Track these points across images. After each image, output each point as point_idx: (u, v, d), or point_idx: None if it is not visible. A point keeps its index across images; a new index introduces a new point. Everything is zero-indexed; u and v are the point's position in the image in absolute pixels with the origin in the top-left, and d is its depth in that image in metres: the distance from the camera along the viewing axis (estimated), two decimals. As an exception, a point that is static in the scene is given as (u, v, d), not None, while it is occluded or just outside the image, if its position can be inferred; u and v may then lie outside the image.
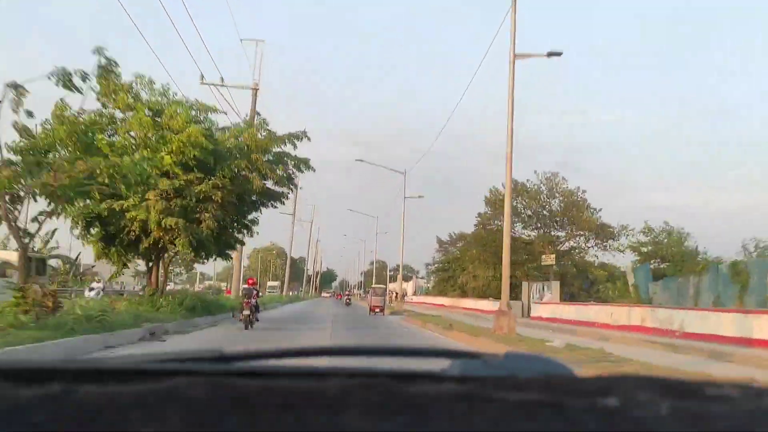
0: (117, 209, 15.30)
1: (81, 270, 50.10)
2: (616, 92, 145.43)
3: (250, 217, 20.63)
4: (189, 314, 16.31)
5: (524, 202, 36.76)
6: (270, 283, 73.99)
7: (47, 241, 40.54)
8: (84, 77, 9.36)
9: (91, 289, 18.00)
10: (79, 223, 15.85)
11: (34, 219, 12.39)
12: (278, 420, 0.44)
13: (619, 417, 0.46)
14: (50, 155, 12.56)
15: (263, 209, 20.43)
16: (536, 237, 37.19)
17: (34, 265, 17.05)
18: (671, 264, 26.55)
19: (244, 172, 17.99)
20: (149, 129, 15.93)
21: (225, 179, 16.45)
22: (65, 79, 9.32)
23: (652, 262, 26.98)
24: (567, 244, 37.29)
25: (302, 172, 18.53)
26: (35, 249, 45.01)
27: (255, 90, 28.75)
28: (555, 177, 36.65)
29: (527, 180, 36.76)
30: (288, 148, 18.67)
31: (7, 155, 11.26)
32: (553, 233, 37.34)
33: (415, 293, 70.59)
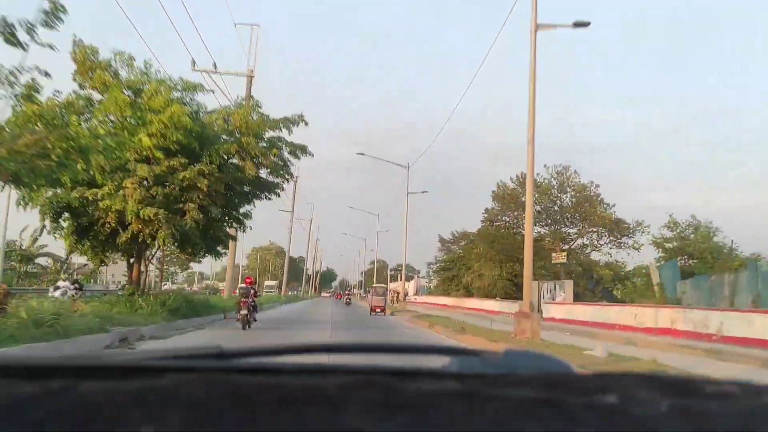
0: (90, 198, 13.62)
1: (73, 269, 48.17)
2: (616, 92, 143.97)
3: (242, 210, 18.99)
4: (172, 316, 14.61)
5: (534, 197, 35.09)
6: (267, 283, 71.83)
7: (36, 239, 38.91)
8: (30, 30, 7.71)
9: (56, 288, 16.22)
10: (47, 213, 14.15)
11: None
12: (278, 417, 0.44)
13: (619, 415, 0.46)
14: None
15: (257, 202, 18.78)
16: (547, 234, 35.42)
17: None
18: (699, 261, 24.68)
19: (234, 159, 16.31)
20: (126, 109, 14.23)
21: (212, 165, 14.75)
22: (6, 33, 7.66)
23: (678, 259, 25.08)
24: (578, 241, 35.56)
25: (299, 158, 16.80)
26: (22, 247, 43.49)
27: (250, 77, 27.10)
28: (566, 171, 34.89)
29: (537, 174, 35.07)
30: (283, 135, 17.03)
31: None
32: (563, 230, 35.56)
33: (416, 293, 68.85)
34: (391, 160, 38.67)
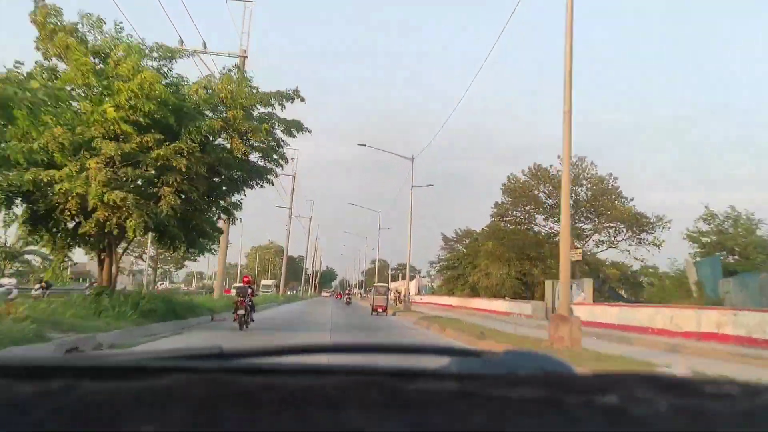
0: (45, 180, 11.51)
1: (65, 267, 45.84)
2: (615, 91, 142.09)
3: (231, 199, 16.89)
4: (145, 320, 12.51)
5: (547, 190, 32.73)
6: (264, 282, 69.23)
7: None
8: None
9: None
10: (-2, 198, 12.03)
11: None
12: (278, 417, 0.44)
13: (619, 415, 0.46)
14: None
15: (249, 192, 16.69)
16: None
17: None
18: (742, 257, 22.38)
19: (220, 140, 14.20)
20: (89, 76, 12.13)
21: (193, 144, 12.63)
22: None
23: (717, 254, 22.74)
24: (594, 237, 33.35)
25: (294, 136, 14.64)
26: (6, 244, 41.31)
27: (243, 57, 24.97)
28: (582, 162, 32.54)
29: (550, 166, 32.84)
30: (276, 113, 14.92)
31: None
32: (578, 225, 33.35)
33: (418, 292, 66.78)
34: (395, 152, 36.42)
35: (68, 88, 12.72)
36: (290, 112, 15.07)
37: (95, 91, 12.39)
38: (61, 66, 13.55)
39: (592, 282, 26.14)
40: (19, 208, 12.65)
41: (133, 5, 16.62)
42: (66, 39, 12.57)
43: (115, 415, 0.43)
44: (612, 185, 32.11)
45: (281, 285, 56.16)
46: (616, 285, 35.36)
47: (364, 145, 33.88)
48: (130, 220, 11.79)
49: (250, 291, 14.24)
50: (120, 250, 14.98)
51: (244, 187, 16.48)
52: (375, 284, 33.97)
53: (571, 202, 33.48)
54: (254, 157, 15.84)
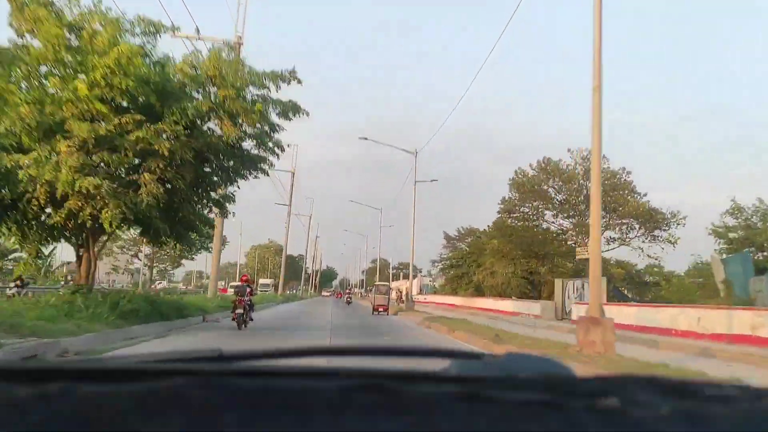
0: (9, 166, 10.26)
1: (57, 266, 44.75)
2: (615, 91, 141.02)
3: (224, 191, 15.64)
4: (124, 321, 11.26)
5: (556, 186, 31.36)
6: (262, 281, 67.62)
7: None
8: None
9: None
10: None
11: None
12: (278, 420, 0.44)
13: (619, 417, 0.46)
14: None
15: (241, 182, 15.44)
16: (570, 227, 31.89)
17: None
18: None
19: (210, 124, 12.96)
20: (61, 50, 10.89)
21: (177, 126, 11.38)
22: None
23: (746, 250, 21.33)
24: (606, 234, 31.99)
25: (290, 119, 13.34)
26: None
27: (238, 44, 23.70)
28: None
29: (560, 160, 31.46)
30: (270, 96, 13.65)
31: None
32: (587, 222, 32.08)
33: (420, 292, 65.54)
34: (397, 146, 35.11)
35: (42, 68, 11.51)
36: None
37: (69, 68, 11.13)
38: (37, 45, 12.34)
39: (605, 280, 24.85)
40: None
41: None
42: (37, 11, 11.32)
43: (115, 417, 0.43)
44: (625, 180, 30.78)
45: (280, 284, 54.82)
46: (620, 284, 34.22)
47: (366, 138, 32.62)
48: (105, 210, 10.53)
49: (248, 290, 13.94)
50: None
51: (237, 178, 15.24)
52: (376, 283, 32.85)
53: (581, 198, 32.29)
54: (248, 145, 14.63)
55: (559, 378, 0.59)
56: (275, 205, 50.76)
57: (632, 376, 0.53)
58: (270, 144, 14.65)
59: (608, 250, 34.87)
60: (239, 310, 13.40)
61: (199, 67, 12.20)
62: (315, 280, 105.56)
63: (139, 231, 13.72)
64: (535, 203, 33.44)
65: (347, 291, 49.98)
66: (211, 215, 16.68)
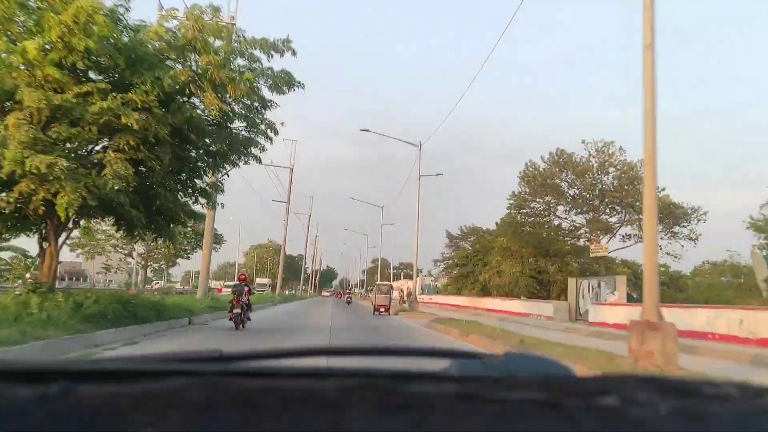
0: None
1: (24, 262, 42.83)
2: (615, 91, 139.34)
3: (211, 179, 13.99)
4: (88, 325, 9.58)
5: (569, 179, 29.63)
6: (259, 281, 65.74)
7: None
8: None
9: None
10: None
11: None
12: (278, 420, 0.44)
13: (618, 417, 0.46)
14: None
15: (228, 167, 13.79)
16: (583, 224, 30.14)
17: None
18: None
19: (194, 100, 11.29)
20: (13, 6, 9.21)
21: (150, 96, 9.70)
22: None
23: None
24: (621, 230, 30.28)
25: (284, 93, 11.66)
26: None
27: (231, 25, 22.02)
28: (608, 147, 29.38)
29: (573, 153, 29.70)
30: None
31: None
32: (603, 218, 30.28)
33: (422, 292, 63.91)
34: (400, 138, 33.40)
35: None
36: (285, 97, 12.23)
37: (22, 28, 9.47)
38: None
39: (626, 279, 23.20)
40: None
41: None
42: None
43: (115, 418, 0.43)
44: (643, 172, 29.06)
45: (278, 283, 53.08)
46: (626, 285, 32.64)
47: (368, 130, 30.96)
48: (62, 194, 8.85)
49: (246, 289, 13.53)
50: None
51: (225, 164, 13.59)
52: (377, 282, 31.29)
53: (597, 192, 30.59)
54: (238, 128, 12.98)
55: (558, 378, 0.59)
56: (273, 203, 49.07)
57: (631, 376, 0.52)
58: (262, 126, 13.01)
59: (623, 248, 33.29)
60: (237, 310, 13.02)
61: (177, 30, 10.51)
62: (315, 280, 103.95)
63: (111, 222, 12.02)
64: (546, 198, 31.74)
65: (347, 291, 49.12)
66: (199, 207, 15.03)
